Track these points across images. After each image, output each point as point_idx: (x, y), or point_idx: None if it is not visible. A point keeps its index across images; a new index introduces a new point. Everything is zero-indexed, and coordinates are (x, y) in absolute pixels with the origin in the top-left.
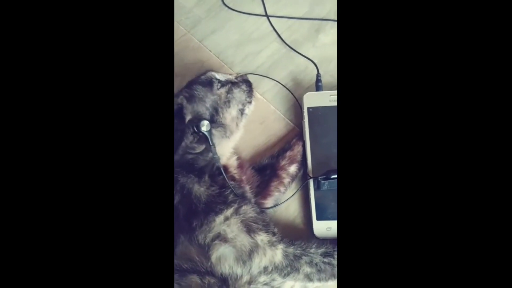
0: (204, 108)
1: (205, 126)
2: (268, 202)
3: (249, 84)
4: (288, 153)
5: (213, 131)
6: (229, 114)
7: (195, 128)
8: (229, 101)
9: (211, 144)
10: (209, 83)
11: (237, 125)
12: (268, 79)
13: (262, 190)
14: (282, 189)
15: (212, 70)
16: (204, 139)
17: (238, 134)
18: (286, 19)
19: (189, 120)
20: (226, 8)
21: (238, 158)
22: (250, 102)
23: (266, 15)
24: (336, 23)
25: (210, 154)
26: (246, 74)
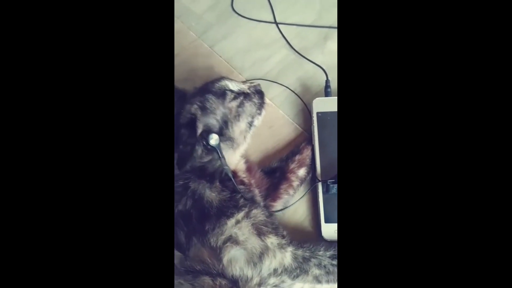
0: (214, 120)
1: (214, 140)
2: (278, 205)
3: (261, 96)
4: (297, 157)
5: (221, 144)
6: (238, 128)
7: (204, 142)
8: (239, 115)
9: (220, 156)
10: (222, 95)
11: (244, 137)
12: (277, 84)
13: (272, 192)
14: (291, 191)
15: (226, 78)
16: (212, 150)
17: (245, 146)
18: (295, 26)
19: (200, 133)
20: (236, 14)
21: (246, 162)
22: (260, 114)
23: (275, 22)
24: None
25: (219, 162)
26: (258, 83)
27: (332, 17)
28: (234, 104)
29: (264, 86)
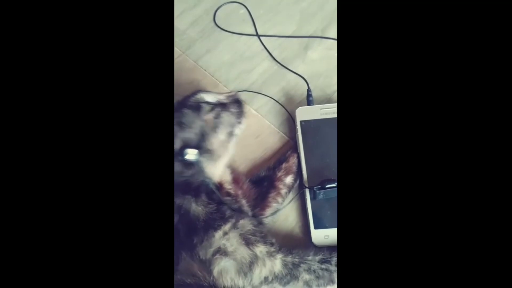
0: (192, 134)
1: (190, 154)
2: (267, 213)
3: (239, 105)
4: (284, 165)
5: (201, 156)
6: (217, 139)
7: (180, 157)
8: (216, 127)
9: (201, 170)
10: (197, 107)
11: (225, 148)
12: (261, 95)
13: (261, 201)
14: (280, 199)
15: (202, 91)
16: (192, 164)
17: (228, 156)
18: (276, 38)
19: (176, 151)
20: (219, 29)
21: (232, 172)
22: (240, 122)
23: (257, 35)
24: (322, 40)
25: (201, 175)
26: (238, 92)
27: (311, 28)
28: (210, 116)
29: (249, 97)
